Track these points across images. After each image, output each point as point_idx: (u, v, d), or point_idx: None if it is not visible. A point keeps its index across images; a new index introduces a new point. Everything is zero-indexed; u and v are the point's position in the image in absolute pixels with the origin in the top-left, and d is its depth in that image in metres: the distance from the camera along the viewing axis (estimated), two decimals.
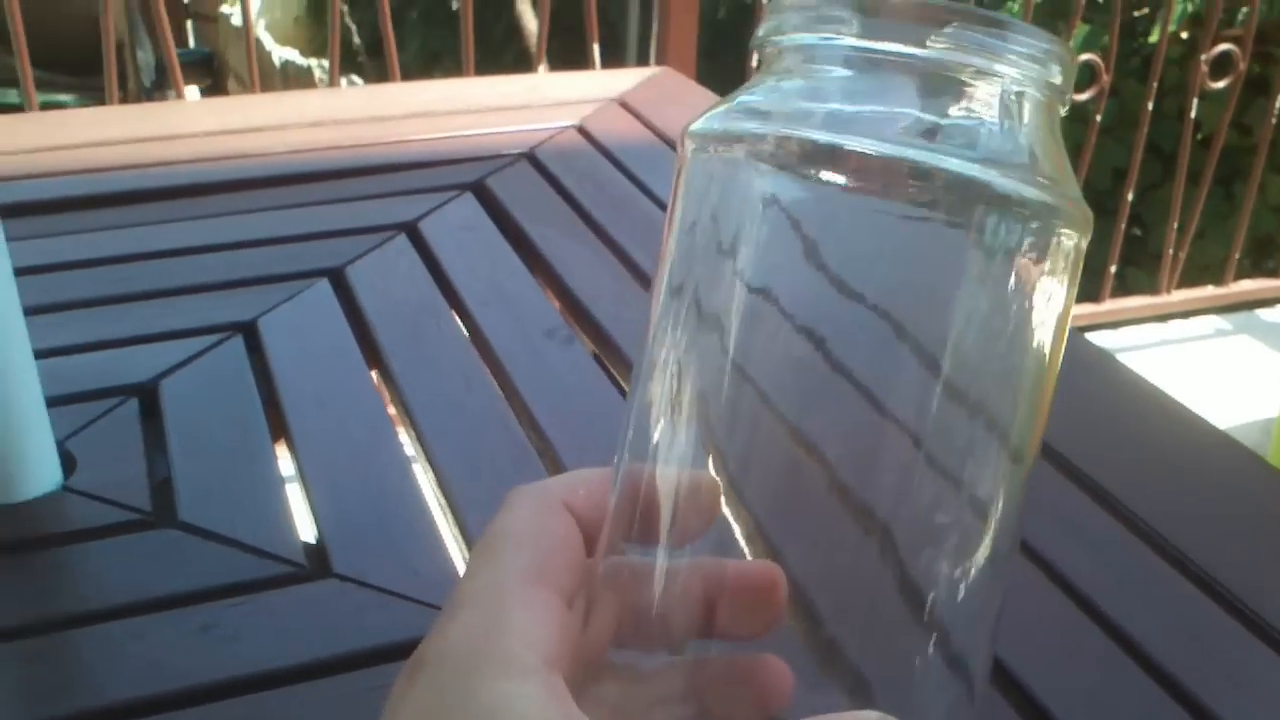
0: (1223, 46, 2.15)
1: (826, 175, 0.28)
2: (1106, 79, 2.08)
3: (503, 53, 3.71)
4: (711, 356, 0.30)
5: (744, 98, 0.30)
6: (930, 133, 0.28)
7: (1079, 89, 2.10)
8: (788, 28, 0.30)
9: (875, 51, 0.29)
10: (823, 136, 0.28)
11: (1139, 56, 2.90)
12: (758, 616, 0.32)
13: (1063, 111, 0.30)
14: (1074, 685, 0.57)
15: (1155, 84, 2.16)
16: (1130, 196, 2.25)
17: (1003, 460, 0.30)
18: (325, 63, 2.78)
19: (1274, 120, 2.30)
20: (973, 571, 0.30)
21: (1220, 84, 2.17)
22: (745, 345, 0.29)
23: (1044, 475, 0.70)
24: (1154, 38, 2.55)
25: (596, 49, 1.86)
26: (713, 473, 0.31)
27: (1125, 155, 2.27)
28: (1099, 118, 2.13)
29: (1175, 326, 2.31)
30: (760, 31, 0.31)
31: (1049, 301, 0.30)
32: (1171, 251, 2.29)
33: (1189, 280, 2.38)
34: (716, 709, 0.32)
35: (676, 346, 0.30)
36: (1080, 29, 2.64)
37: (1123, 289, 2.40)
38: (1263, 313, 2.36)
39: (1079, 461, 0.71)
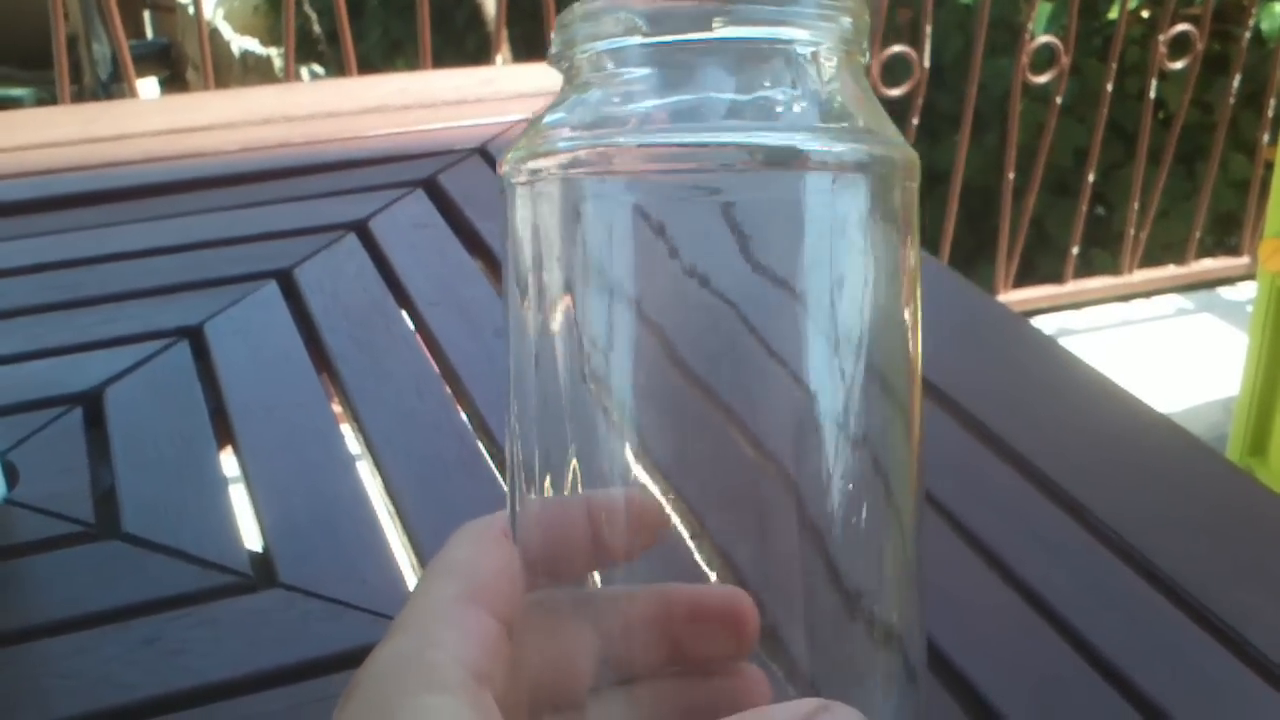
0: (1181, 27, 2.16)
1: (643, 175, 0.28)
2: (1066, 60, 2.09)
3: (465, 39, 3.69)
4: (568, 361, 0.30)
5: (551, 117, 0.31)
6: (734, 111, 0.29)
7: (1039, 70, 2.10)
8: (579, 39, 0.30)
9: (665, 44, 0.29)
10: (631, 139, 0.29)
11: (1100, 36, 2.91)
12: (723, 646, 0.32)
13: (864, 60, 0.31)
14: (1023, 682, 0.57)
15: (1115, 64, 2.17)
16: (1092, 177, 2.26)
17: (883, 408, 0.31)
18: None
19: (1233, 99, 2.31)
20: (874, 524, 0.31)
21: (1179, 64, 2.18)
22: (603, 345, 0.30)
23: (992, 468, 0.70)
24: (1113, 14, 2.55)
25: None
26: (646, 482, 0.30)
27: (1088, 135, 2.27)
28: (1059, 99, 2.14)
29: (1138, 306, 2.32)
30: (553, 49, 0.31)
31: (888, 245, 0.30)
32: (1133, 232, 2.31)
33: (1154, 259, 2.40)
34: None
35: (540, 359, 0.31)
36: (1042, 8, 2.65)
37: (1087, 269, 2.41)
38: (1224, 291, 2.37)
39: (1029, 453, 0.71)
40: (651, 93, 0.29)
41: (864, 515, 0.30)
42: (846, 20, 0.30)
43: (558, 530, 0.32)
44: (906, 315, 0.31)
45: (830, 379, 0.29)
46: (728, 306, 0.29)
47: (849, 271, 0.29)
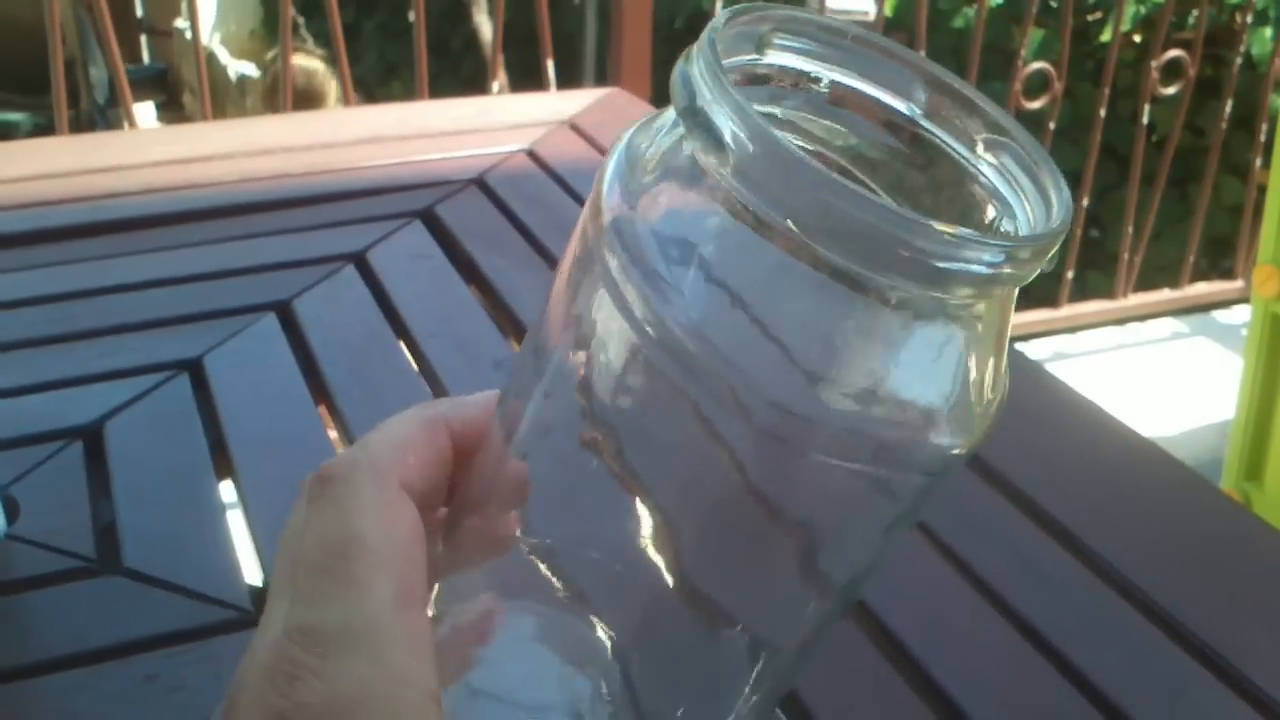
0: (1173, 53, 2.17)
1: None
2: (1058, 87, 2.10)
3: (461, 63, 3.70)
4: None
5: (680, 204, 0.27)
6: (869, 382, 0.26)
7: (1033, 96, 2.11)
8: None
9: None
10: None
11: (1093, 60, 2.93)
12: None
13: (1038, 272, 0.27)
14: (1017, 713, 0.58)
15: (1107, 90, 2.18)
16: (1086, 200, 2.27)
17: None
18: None
19: (1225, 123, 2.32)
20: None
21: (1171, 89, 2.20)
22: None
23: (986, 499, 0.71)
24: (1106, 37, 2.57)
25: (551, 66, 1.86)
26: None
27: (1081, 158, 2.28)
28: (1053, 124, 2.15)
29: (1133, 330, 2.33)
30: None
31: (909, 508, 0.30)
32: (1127, 256, 2.32)
33: (1148, 282, 2.41)
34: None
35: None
36: (1035, 34, 2.66)
37: (1082, 292, 2.42)
38: (1219, 315, 2.38)
39: (1023, 484, 0.72)
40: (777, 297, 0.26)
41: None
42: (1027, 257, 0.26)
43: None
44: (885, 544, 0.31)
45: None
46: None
47: (851, 516, 0.29)
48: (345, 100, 1.82)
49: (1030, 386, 0.85)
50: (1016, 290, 0.28)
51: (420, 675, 0.28)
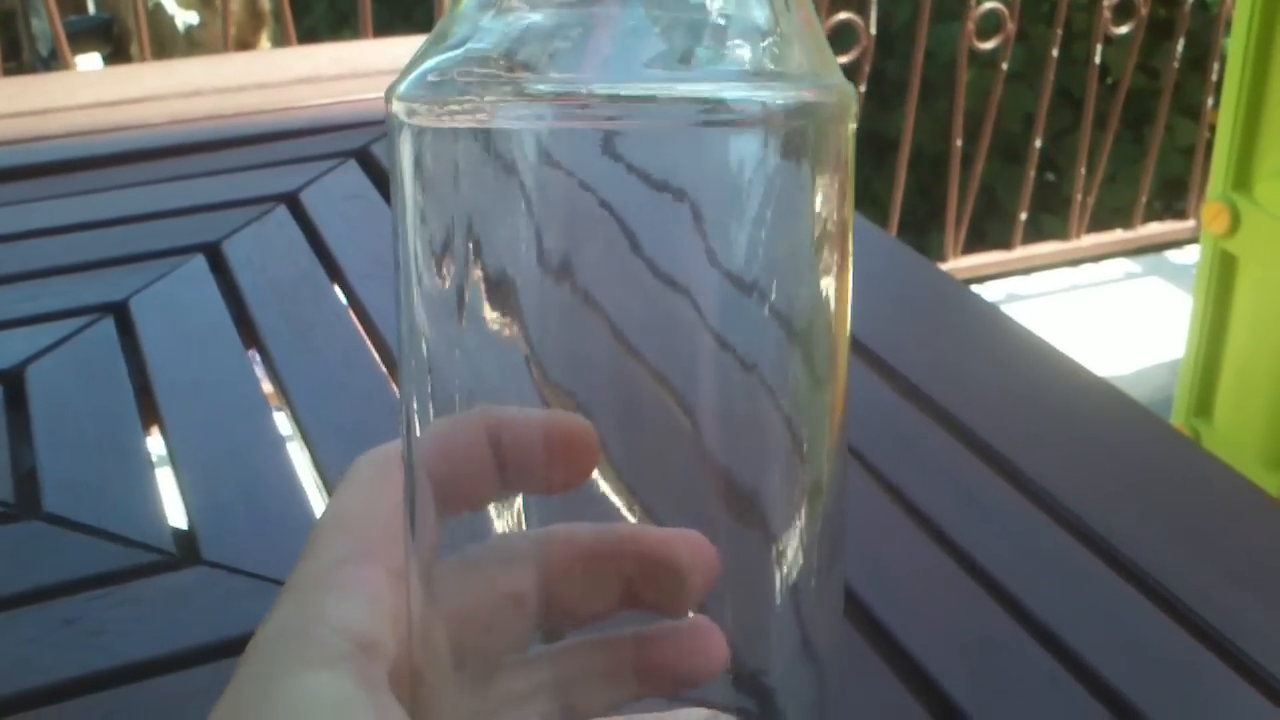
0: None
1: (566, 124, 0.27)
2: (1011, 27, 2.09)
3: (413, 11, 3.66)
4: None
5: (471, 45, 0.28)
6: (666, 53, 0.27)
7: (986, 36, 2.10)
8: None
9: None
10: (551, 87, 0.26)
11: (1049, 2, 2.91)
12: (677, 594, 0.30)
13: None
14: (955, 644, 0.57)
15: (1060, 30, 2.17)
16: (1039, 143, 2.27)
17: (800, 360, 0.30)
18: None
19: (1177, 63, 2.32)
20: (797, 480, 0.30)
21: (1124, 29, 2.19)
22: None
23: (933, 437, 0.70)
24: None
25: None
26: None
27: (1035, 100, 2.28)
28: (1005, 65, 2.14)
29: (1086, 271, 2.33)
30: None
31: (812, 192, 0.29)
32: (1080, 196, 2.32)
33: (1103, 224, 2.41)
34: (644, 687, 0.31)
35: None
36: None
37: (1037, 234, 2.42)
38: (1171, 255, 2.39)
39: (971, 423, 0.71)
40: (572, 26, 0.27)
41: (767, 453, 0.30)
42: None
43: (465, 453, 0.29)
44: (832, 261, 0.29)
45: (741, 324, 0.29)
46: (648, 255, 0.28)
47: (768, 222, 0.28)
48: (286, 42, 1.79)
49: (983, 327, 0.84)
50: None
51: (343, 616, 0.29)
